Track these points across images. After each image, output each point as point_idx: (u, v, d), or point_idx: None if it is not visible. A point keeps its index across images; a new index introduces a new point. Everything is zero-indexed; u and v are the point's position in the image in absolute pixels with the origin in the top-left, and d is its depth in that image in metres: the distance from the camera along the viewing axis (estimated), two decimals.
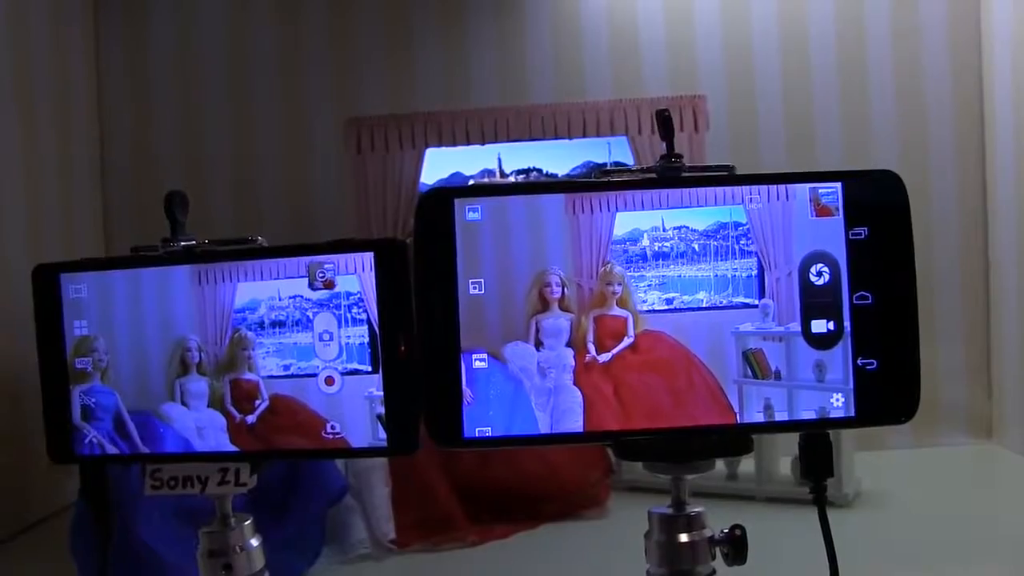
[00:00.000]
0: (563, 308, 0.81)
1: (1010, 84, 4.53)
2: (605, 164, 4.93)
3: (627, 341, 0.82)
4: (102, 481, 0.93)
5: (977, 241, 4.76)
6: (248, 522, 0.91)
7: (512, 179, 4.87)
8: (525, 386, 0.81)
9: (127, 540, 2.42)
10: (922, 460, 4.31)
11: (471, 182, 4.98)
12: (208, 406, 0.88)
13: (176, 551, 2.43)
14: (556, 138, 4.74)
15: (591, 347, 0.82)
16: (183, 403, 0.88)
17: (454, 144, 4.75)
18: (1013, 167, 4.55)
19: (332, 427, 0.84)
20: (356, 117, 4.76)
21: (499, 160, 4.90)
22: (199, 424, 0.88)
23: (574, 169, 4.94)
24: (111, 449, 0.91)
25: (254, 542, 0.91)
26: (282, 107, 4.88)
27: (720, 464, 3.65)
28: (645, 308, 0.82)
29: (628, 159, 4.77)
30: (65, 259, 0.93)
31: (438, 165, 4.87)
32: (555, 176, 4.92)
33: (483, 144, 4.75)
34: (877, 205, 0.84)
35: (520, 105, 4.74)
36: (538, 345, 0.81)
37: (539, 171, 4.95)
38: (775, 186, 0.83)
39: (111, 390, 0.91)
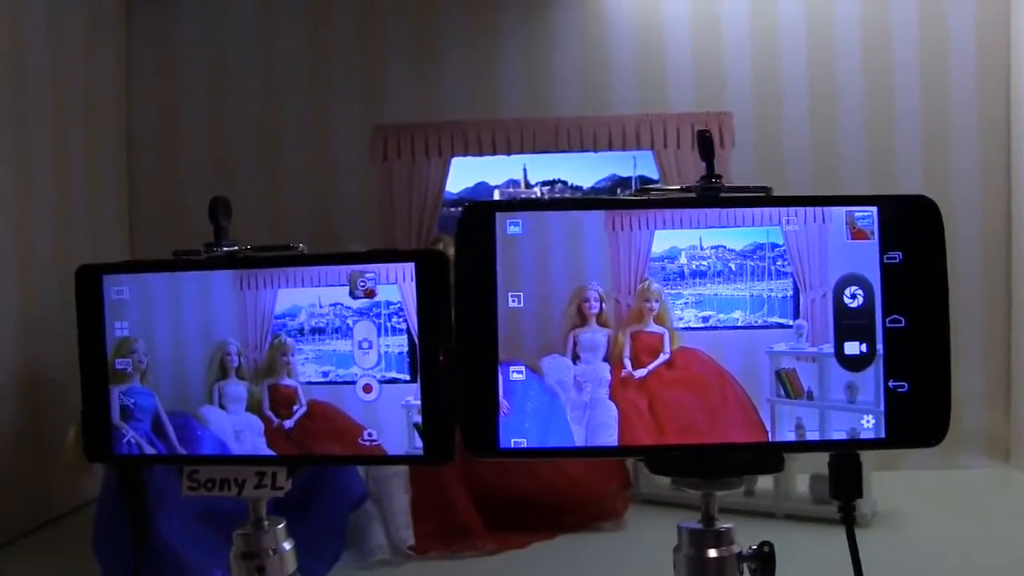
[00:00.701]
0: (601, 323, 0.82)
1: None
2: (630, 177, 4.94)
3: (663, 357, 0.83)
4: (139, 481, 0.94)
5: (999, 266, 4.74)
6: (281, 525, 0.93)
7: (537, 190, 4.89)
8: (561, 399, 0.82)
9: (149, 540, 2.44)
10: (940, 482, 4.27)
11: (496, 192, 5.00)
12: (246, 410, 0.89)
13: (197, 552, 2.45)
14: (582, 150, 4.75)
15: (627, 362, 0.83)
16: (221, 406, 0.90)
17: (480, 154, 4.77)
18: None
19: (369, 434, 0.85)
20: (383, 125, 4.79)
21: (524, 171, 4.92)
22: (236, 427, 0.89)
23: (599, 182, 4.95)
24: (149, 450, 0.92)
25: (287, 545, 0.92)
26: (309, 113, 4.92)
27: None
28: (681, 325, 0.83)
29: (653, 173, 4.78)
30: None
31: (463, 174, 4.89)
32: (580, 188, 4.93)
33: (509, 154, 4.76)
34: (912, 230, 0.84)
35: (546, 116, 4.76)
36: (575, 359, 0.82)
37: (564, 183, 4.97)
38: (812, 208, 0.84)
39: (150, 391, 0.92)
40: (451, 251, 2.91)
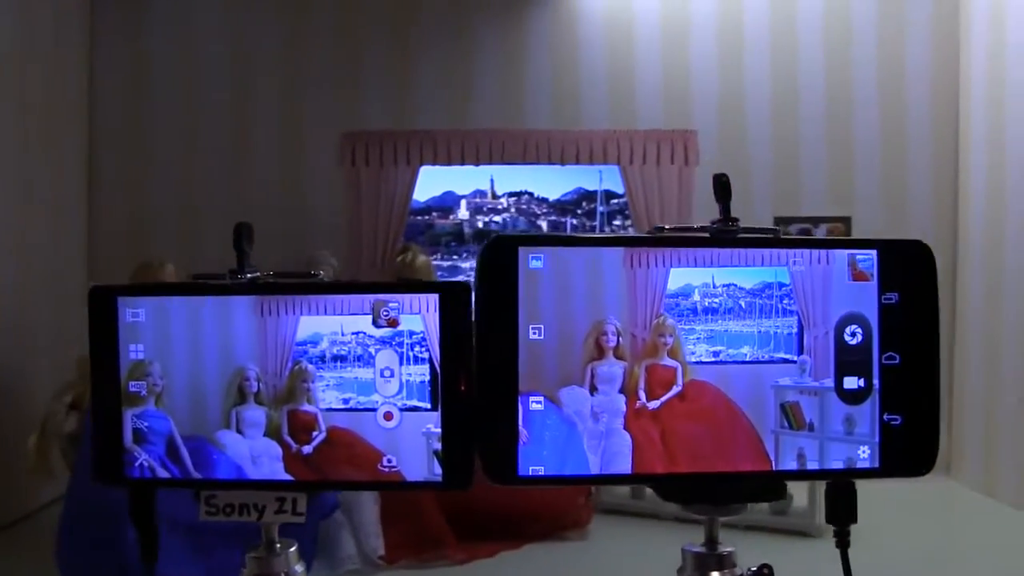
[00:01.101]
0: (617, 356, 0.85)
1: (984, 141, 4.69)
2: (596, 191, 5.01)
3: (675, 390, 0.86)
4: (150, 504, 0.94)
5: (944, 279, 4.90)
6: (293, 548, 0.94)
7: (504, 201, 4.92)
8: (578, 428, 0.85)
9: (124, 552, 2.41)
10: (884, 495, 4.39)
11: (463, 201, 5.02)
12: (264, 435, 0.90)
13: (179, 568, 2.43)
14: (549, 163, 4.80)
15: (642, 394, 0.86)
16: (239, 431, 0.90)
17: (448, 163, 4.79)
18: (983, 216, 4.71)
19: (388, 460, 0.87)
20: (353, 131, 4.79)
21: (492, 181, 4.95)
22: (254, 452, 0.90)
23: (565, 195, 5.00)
24: (162, 473, 0.92)
25: (299, 568, 0.93)
26: (280, 118, 4.90)
27: None
28: (693, 359, 0.87)
29: (619, 187, 4.85)
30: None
31: (431, 183, 4.91)
32: (546, 200, 4.98)
33: (477, 165, 4.79)
34: (907, 272, 0.89)
35: (516, 128, 4.80)
36: (592, 390, 0.85)
37: (530, 194, 5.01)
38: (817, 251, 0.88)
39: (165, 415, 0.92)
40: (420, 259, 2.93)
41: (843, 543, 0.93)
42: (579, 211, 4.93)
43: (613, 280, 0.86)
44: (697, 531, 0.91)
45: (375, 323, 0.88)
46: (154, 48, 4.92)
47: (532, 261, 0.85)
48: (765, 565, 0.90)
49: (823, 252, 0.88)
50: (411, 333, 0.87)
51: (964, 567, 3.32)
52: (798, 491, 3.68)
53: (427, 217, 4.85)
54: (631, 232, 4.74)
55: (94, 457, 0.97)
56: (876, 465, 0.89)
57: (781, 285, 0.88)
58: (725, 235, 0.87)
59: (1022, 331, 4.53)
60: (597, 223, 4.88)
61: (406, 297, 0.87)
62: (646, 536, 3.43)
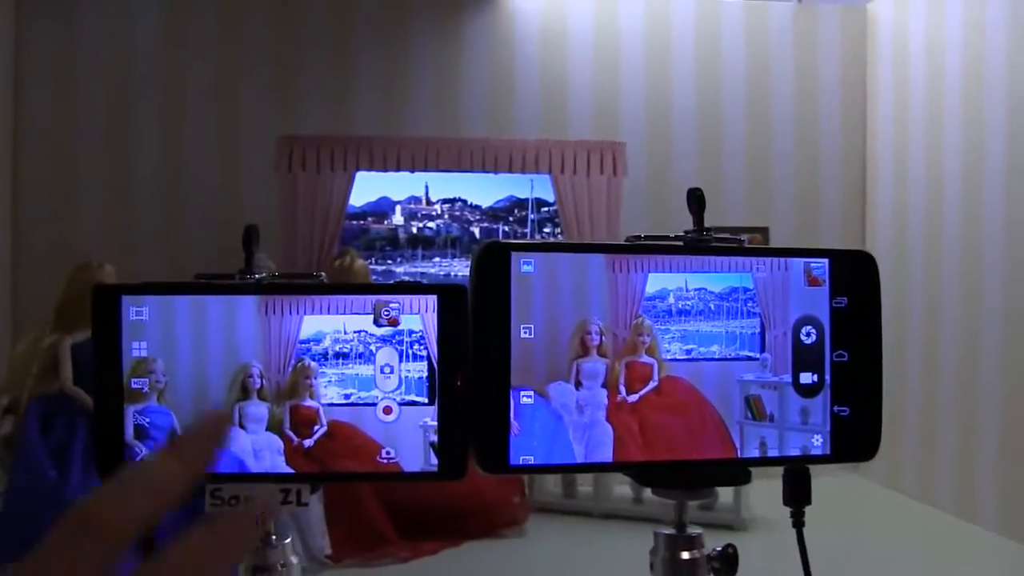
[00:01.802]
0: (600, 354, 0.93)
1: (891, 157, 4.97)
2: (527, 199, 5.11)
3: (652, 385, 0.95)
4: None
5: None
6: (288, 540, 0.99)
7: (438, 207, 4.97)
8: (565, 421, 0.92)
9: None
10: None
11: (398, 207, 5.05)
12: (267, 429, 0.94)
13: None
14: (483, 171, 4.88)
15: (622, 389, 0.94)
16: (241, 426, 0.95)
17: (384, 169, 4.82)
18: (889, 227, 4.99)
19: (387, 452, 0.93)
20: (289, 136, 4.78)
21: (426, 188, 5.00)
22: (256, 446, 0.95)
23: (498, 202, 5.08)
24: None
25: (294, 559, 0.98)
26: (216, 120, 4.86)
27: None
28: (668, 357, 0.95)
29: (550, 196, 4.96)
30: None
31: (366, 188, 4.93)
32: (479, 207, 5.04)
33: (412, 171, 4.84)
34: (855, 279, 0.99)
35: (451, 137, 4.87)
36: (578, 385, 0.93)
37: (464, 202, 5.08)
38: (777, 259, 0.98)
39: (168, 411, 0.96)
40: (357, 263, 2.99)
41: (799, 523, 1.02)
42: (511, 218, 5.03)
43: (597, 284, 0.93)
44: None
45: (376, 322, 0.93)
46: (84, 47, 4.82)
47: (524, 265, 0.92)
48: (729, 545, 0.99)
49: (783, 260, 0.98)
50: (411, 332, 0.93)
51: (868, 552, 3.56)
52: (724, 489, 3.84)
53: (363, 222, 4.87)
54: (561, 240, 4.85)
55: (95, 453, 1.00)
56: (828, 452, 0.99)
57: (746, 290, 0.97)
58: (698, 244, 0.95)
59: (926, 332, 4.81)
60: (528, 230, 4.98)
61: (406, 298, 0.93)
62: (579, 533, 3.56)
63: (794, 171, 5.24)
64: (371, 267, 4.70)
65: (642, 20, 5.05)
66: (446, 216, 4.97)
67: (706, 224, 0.97)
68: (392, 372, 0.93)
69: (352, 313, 0.94)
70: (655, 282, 0.95)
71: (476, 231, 5.03)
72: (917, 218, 4.79)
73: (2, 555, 2.52)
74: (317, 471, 0.94)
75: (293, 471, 0.95)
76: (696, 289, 0.96)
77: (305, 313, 0.94)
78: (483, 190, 5.04)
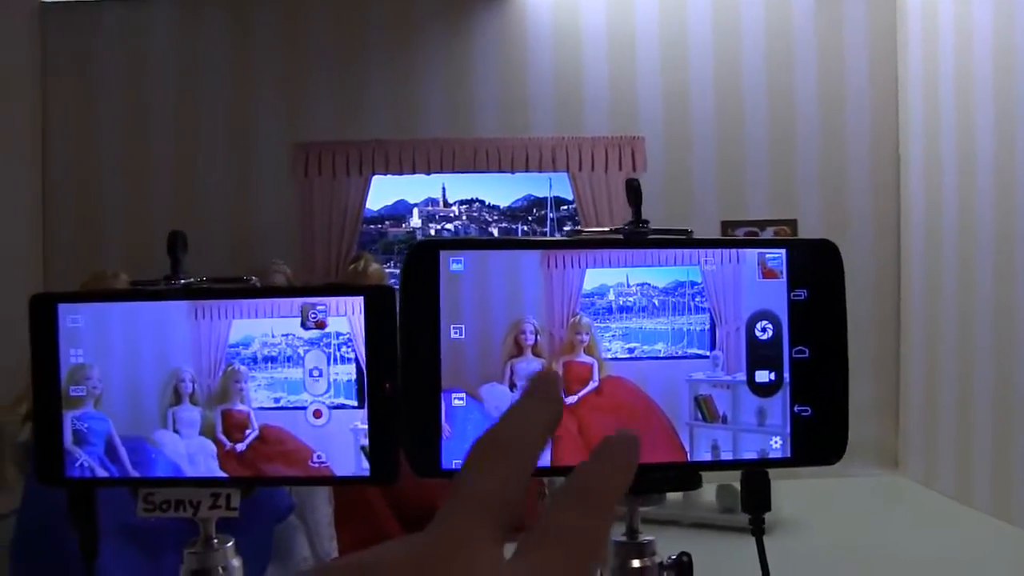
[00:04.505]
0: (536, 354, 0.89)
1: (922, 138, 4.83)
2: (545, 198, 5.07)
3: (592, 385, 0.91)
4: (90, 504, 0.97)
5: (890, 281, 5.05)
6: (230, 543, 0.97)
7: (455, 208, 4.96)
8: None
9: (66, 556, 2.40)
10: (833, 490, 4.51)
11: (415, 210, 5.05)
12: (200, 434, 0.93)
13: (118, 570, 2.41)
14: (500, 171, 4.85)
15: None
16: (175, 430, 0.93)
17: (400, 172, 4.82)
18: (923, 216, 4.84)
19: (318, 457, 0.91)
20: (304, 142, 4.80)
21: (443, 190, 4.99)
22: (190, 451, 0.93)
23: (516, 202, 5.06)
24: (101, 472, 0.95)
25: (235, 562, 0.96)
26: (230, 129, 4.91)
27: None
28: (609, 356, 0.91)
29: (568, 194, 4.91)
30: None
31: (383, 192, 4.93)
32: (497, 208, 5.02)
33: (428, 174, 4.83)
34: (816, 270, 0.94)
35: (466, 137, 4.85)
36: (512, 387, 0.89)
37: (482, 202, 5.06)
38: (728, 250, 0.93)
39: (104, 416, 0.95)
40: (372, 267, 2.96)
41: (758, 530, 0.97)
42: (530, 218, 5.00)
43: (531, 281, 0.90)
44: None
45: (303, 325, 0.91)
46: (104, 59, 4.90)
47: (453, 264, 0.88)
48: (684, 553, 0.94)
49: (733, 251, 0.93)
50: (338, 334, 0.91)
51: (908, 558, 3.43)
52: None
53: (380, 226, 4.87)
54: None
55: (35, 459, 0.99)
56: (788, 455, 0.93)
57: (693, 284, 0.92)
58: (637, 236, 0.91)
59: (961, 328, 4.67)
60: (548, 229, 4.95)
61: (332, 300, 0.91)
62: None
63: (821, 162, 5.11)
64: (389, 271, 4.70)
65: (657, 8, 4.98)
66: (464, 217, 4.95)
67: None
68: (321, 375, 0.91)
69: (280, 316, 0.92)
70: (593, 278, 0.91)
71: (495, 232, 5.01)
72: (953, 208, 4.63)
73: (22, 555, 2.54)
74: (250, 475, 0.92)
75: (227, 475, 0.93)
76: (639, 284, 0.92)
77: (234, 317, 0.92)
78: (501, 190, 5.02)
